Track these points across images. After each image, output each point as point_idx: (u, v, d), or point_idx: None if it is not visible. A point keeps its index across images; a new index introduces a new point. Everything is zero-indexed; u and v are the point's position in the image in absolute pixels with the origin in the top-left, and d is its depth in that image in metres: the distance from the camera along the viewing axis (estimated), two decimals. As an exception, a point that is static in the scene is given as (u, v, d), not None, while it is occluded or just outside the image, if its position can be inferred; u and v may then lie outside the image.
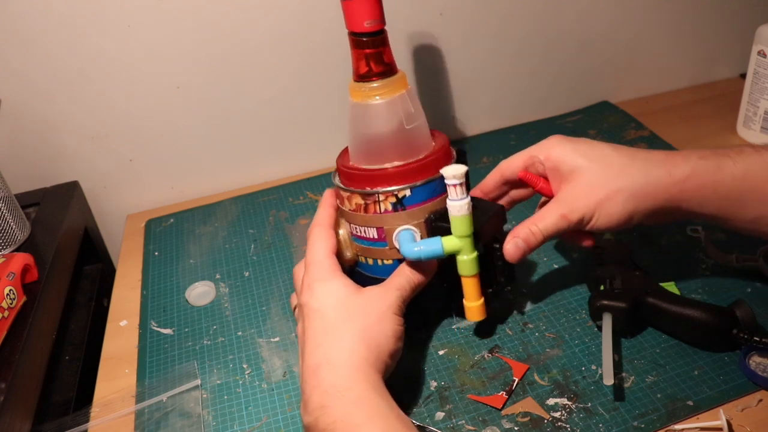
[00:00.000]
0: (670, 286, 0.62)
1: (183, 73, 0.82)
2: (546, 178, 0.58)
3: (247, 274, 0.74)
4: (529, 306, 0.64)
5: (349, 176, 0.56)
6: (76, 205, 0.80)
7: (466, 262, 0.53)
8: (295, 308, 0.60)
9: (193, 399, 0.58)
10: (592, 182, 0.54)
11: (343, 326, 0.49)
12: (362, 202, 0.55)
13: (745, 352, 0.55)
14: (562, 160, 0.55)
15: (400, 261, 0.55)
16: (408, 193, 0.54)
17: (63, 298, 0.69)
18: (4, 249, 0.68)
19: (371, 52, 0.54)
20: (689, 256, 0.67)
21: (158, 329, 0.67)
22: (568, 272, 0.68)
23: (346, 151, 0.60)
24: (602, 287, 0.60)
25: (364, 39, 0.54)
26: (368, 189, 0.55)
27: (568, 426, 0.52)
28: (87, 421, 0.57)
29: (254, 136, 0.89)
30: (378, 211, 0.55)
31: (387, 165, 0.55)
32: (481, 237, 0.54)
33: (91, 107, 0.81)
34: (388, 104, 0.55)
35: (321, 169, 0.92)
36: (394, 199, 0.54)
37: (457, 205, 0.51)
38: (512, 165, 0.59)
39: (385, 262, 0.57)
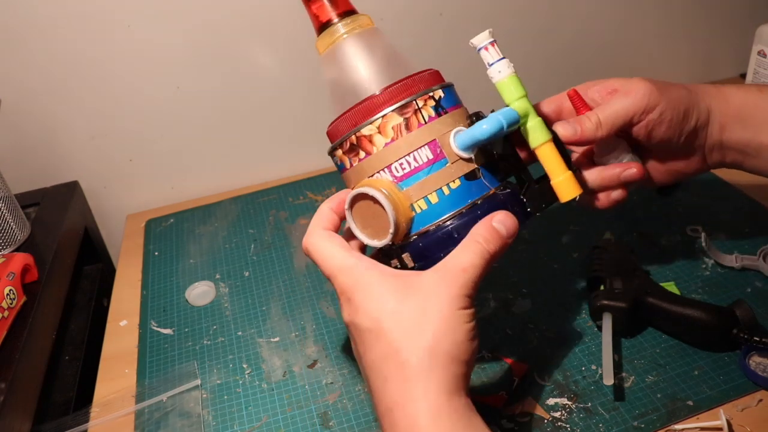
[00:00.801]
0: (670, 286, 0.62)
1: (183, 73, 0.82)
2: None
3: (247, 274, 0.74)
4: (529, 306, 0.64)
5: (367, 108, 0.46)
6: (76, 205, 0.80)
7: (537, 125, 0.47)
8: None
9: (193, 399, 0.58)
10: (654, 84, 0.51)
11: (407, 350, 0.39)
12: (400, 119, 0.45)
13: (745, 352, 0.55)
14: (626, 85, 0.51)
15: (467, 178, 0.45)
16: (442, 93, 0.46)
17: (63, 298, 0.69)
18: (4, 249, 0.68)
19: None
20: (689, 256, 0.68)
21: (158, 329, 0.67)
22: (568, 272, 0.68)
23: (335, 121, 0.49)
24: (602, 287, 0.60)
25: None
26: (403, 99, 0.45)
27: (568, 426, 0.52)
28: (87, 421, 0.57)
29: (254, 136, 0.89)
30: (423, 121, 0.45)
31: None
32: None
33: (91, 107, 0.81)
34: (369, 32, 0.49)
35: (321, 169, 0.92)
36: (433, 102, 0.46)
37: (498, 67, 0.46)
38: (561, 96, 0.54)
39: (452, 186, 0.45)
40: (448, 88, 0.47)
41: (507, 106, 0.46)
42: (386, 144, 0.45)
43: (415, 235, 0.45)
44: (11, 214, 0.69)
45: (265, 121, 0.89)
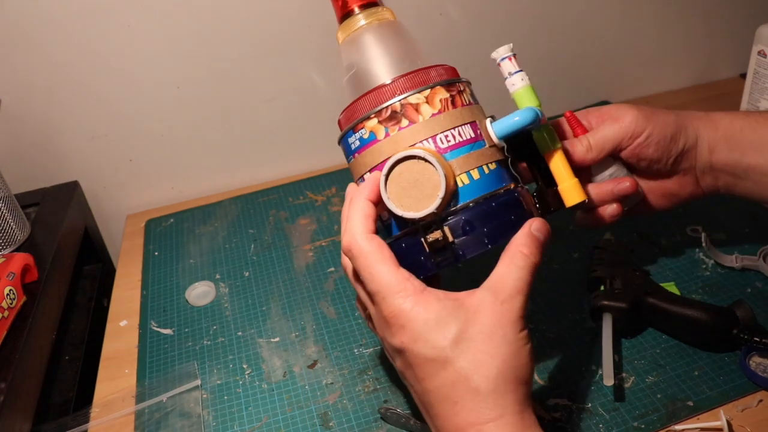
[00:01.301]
0: (670, 286, 0.62)
1: (183, 73, 0.82)
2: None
3: (247, 274, 0.74)
4: (529, 306, 0.64)
5: (418, 77, 0.46)
6: (76, 205, 0.80)
7: (549, 132, 0.51)
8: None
9: (193, 399, 0.58)
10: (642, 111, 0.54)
11: (477, 377, 0.39)
12: (447, 95, 0.46)
13: (746, 353, 0.55)
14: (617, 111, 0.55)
15: (501, 164, 0.47)
16: (470, 87, 0.50)
17: (63, 298, 0.69)
18: (4, 249, 0.68)
19: None
20: (689, 257, 0.68)
21: (158, 329, 0.67)
22: (569, 272, 0.68)
23: (363, 95, 0.47)
24: (602, 287, 0.60)
25: None
26: (451, 77, 0.48)
27: (568, 426, 0.52)
28: (87, 421, 0.57)
29: (254, 136, 0.89)
30: (466, 102, 0.47)
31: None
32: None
33: (91, 107, 0.81)
34: (395, 23, 0.52)
35: (321, 169, 0.92)
36: (469, 91, 0.49)
37: (518, 77, 0.50)
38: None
39: (491, 167, 0.46)
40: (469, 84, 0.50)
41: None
42: (433, 114, 0.45)
43: (456, 208, 0.44)
44: (11, 214, 0.69)
45: (265, 121, 0.89)
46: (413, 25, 0.86)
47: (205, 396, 0.59)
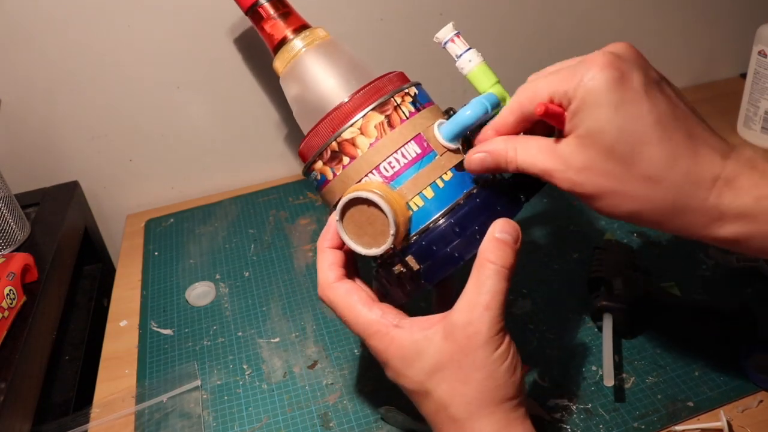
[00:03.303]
0: (671, 287, 0.62)
1: (183, 73, 0.82)
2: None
3: (247, 274, 0.74)
4: (529, 306, 0.64)
5: (344, 112, 0.44)
6: (76, 205, 0.80)
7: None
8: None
9: (194, 400, 0.58)
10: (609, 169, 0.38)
11: (454, 406, 0.40)
12: (381, 117, 0.44)
13: (746, 353, 0.55)
14: (595, 118, 0.37)
15: (458, 168, 0.44)
16: (415, 90, 0.46)
17: (63, 298, 0.69)
18: (4, 249, 0.68)
19: (279, 13, 0.52)
20: (689, 257, 0.67)
21: (158, 329, 0.67)
22: (569, 273, 0.68)
23: (307, 136, 0.46)
24: (603, 288, 0.60)
25: (266, 3, 0.52)
26: (381, 97, 0.44)
27: (568, 427, 0.52)
28: (87, 421, 0.57)
29: (254, 136, 0.89)
30: (404, 117, 0.44)
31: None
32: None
33: (91, 107, 0.81)
34: (328, 43, 0.49)
35: (321, 169, 0.92)
36: (410, 98, 0.45)
37: (467, 57, 0.46)
38: (535, 95, 0.40)
39: (445, 178, 0.43)
40: (419, 85, 0.47)
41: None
42: (371, 144, 0.43)
43: (415, 234, 0.43)
44: (11, 214, 0.69)
45: (265, 121, 0.88)
46: (413, 25, 0.86)
47: (205, 396, 0.58)
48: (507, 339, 0.41)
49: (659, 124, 0.37)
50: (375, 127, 0.43)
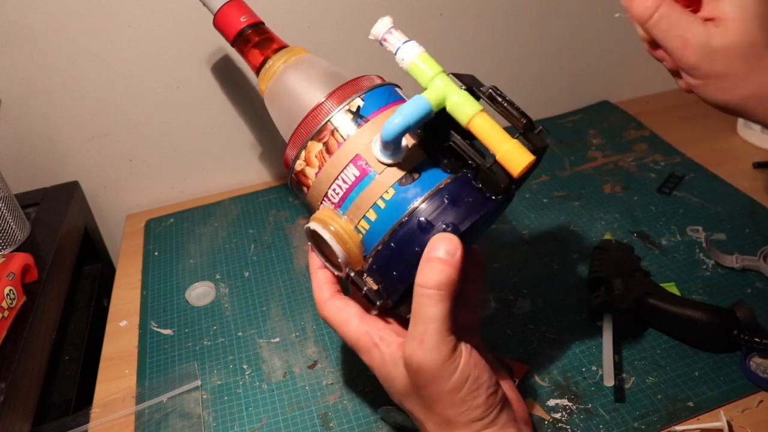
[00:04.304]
0: (671, 287, 0.62)
1: (183, 73, 0.82)
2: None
3: (247, 274, 0.74)
4: (529, 307, 0.64)
5: (292, 142, 0.45)
6: (76, 205, 0.80)
7: (462, 100, 0.40)
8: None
9: (194, 400, 0.58)
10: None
11: (427, 423, 0.42)
12: (320, 146, 0.43)
13: (746, 353, 0.55)
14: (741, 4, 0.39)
15: (402, 183, 0.42)
16: (361, 102, 0.44)
17: (63, 298, 0.69)
18: (4, 249, 0.68)
19: (260, 39, 0.53)
20: (689, 257, 0.67)
21: (158, 330, 0.67)
22: (569, 273, 0.68)
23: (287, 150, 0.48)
24: (603, 288, 0.60)
25: (249, 31, 0.54)
26: (317, 125, 0.43)
27: (568, 427, 0.52)
28: (87, 421, 0.57)
29: (254, 136, 0.89)
30: (341, 140, 0.43)
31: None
32: None
33: (91, 107, 0.81)
34: (301, 59, 0.50)
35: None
36: (351, 115, 0.43)
37: (406, 48, 0.41)
38: None
39: (386, 198, 0.42)
40: (371, 91, 0.45)
41: (425, 89, 0.41)
42: (316, 174, 0.44)
43: (370, 256, 0.43)
44: (11, 214, 0.69)
45: (265, 121, 0.88)
46: (413, 25, 0.86)
47: (205, 396, 0.58)
48: (461, 362, 0.40)
49: None
50: (316, 156, 0.44)
